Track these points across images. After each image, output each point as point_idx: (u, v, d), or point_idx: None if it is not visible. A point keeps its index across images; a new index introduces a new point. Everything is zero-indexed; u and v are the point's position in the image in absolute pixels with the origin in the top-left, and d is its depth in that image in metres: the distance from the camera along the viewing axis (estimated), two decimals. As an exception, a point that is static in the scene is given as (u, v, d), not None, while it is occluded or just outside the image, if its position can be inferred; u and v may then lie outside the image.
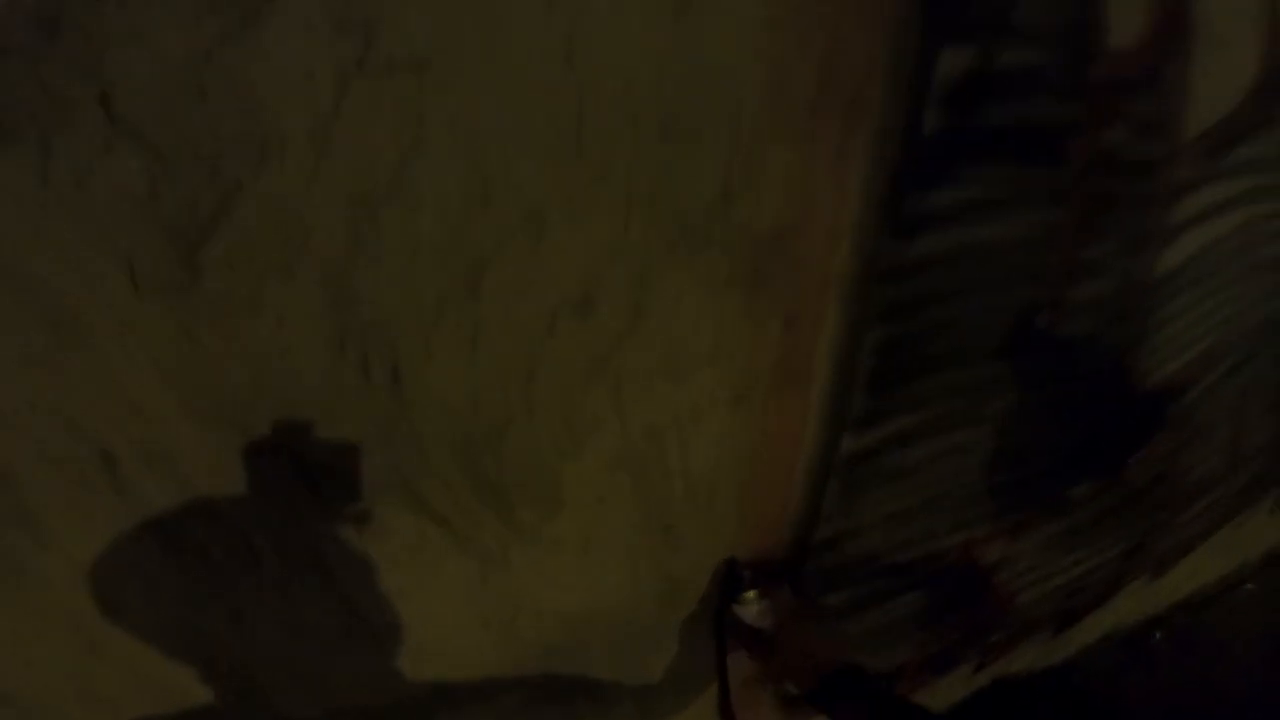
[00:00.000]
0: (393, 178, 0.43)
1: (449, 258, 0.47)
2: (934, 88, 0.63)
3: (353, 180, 0.42)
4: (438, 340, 0.49)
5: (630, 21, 0.47)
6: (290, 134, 0.40)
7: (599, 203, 0.50)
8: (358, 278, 0.45)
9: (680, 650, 0.86)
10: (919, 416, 0.84)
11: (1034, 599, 1.34)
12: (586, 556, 0.69)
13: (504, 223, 0.47)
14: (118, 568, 0.49)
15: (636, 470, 0.65)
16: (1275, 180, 1.12)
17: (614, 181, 0.49)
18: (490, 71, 0.43)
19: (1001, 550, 1.15)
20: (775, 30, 0.52)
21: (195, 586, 0.53)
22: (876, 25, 0.55)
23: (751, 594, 0.81)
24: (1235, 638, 1.83)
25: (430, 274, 0.47)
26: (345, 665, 0.64)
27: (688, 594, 0.82)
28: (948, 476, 0.92)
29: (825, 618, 0.97)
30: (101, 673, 0.53)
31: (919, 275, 0.69)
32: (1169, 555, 1.59)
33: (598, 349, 0.55)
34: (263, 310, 0.44)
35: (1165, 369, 1.11)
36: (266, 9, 0.38)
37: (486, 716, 0.76)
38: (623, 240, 0.51)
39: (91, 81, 0.36)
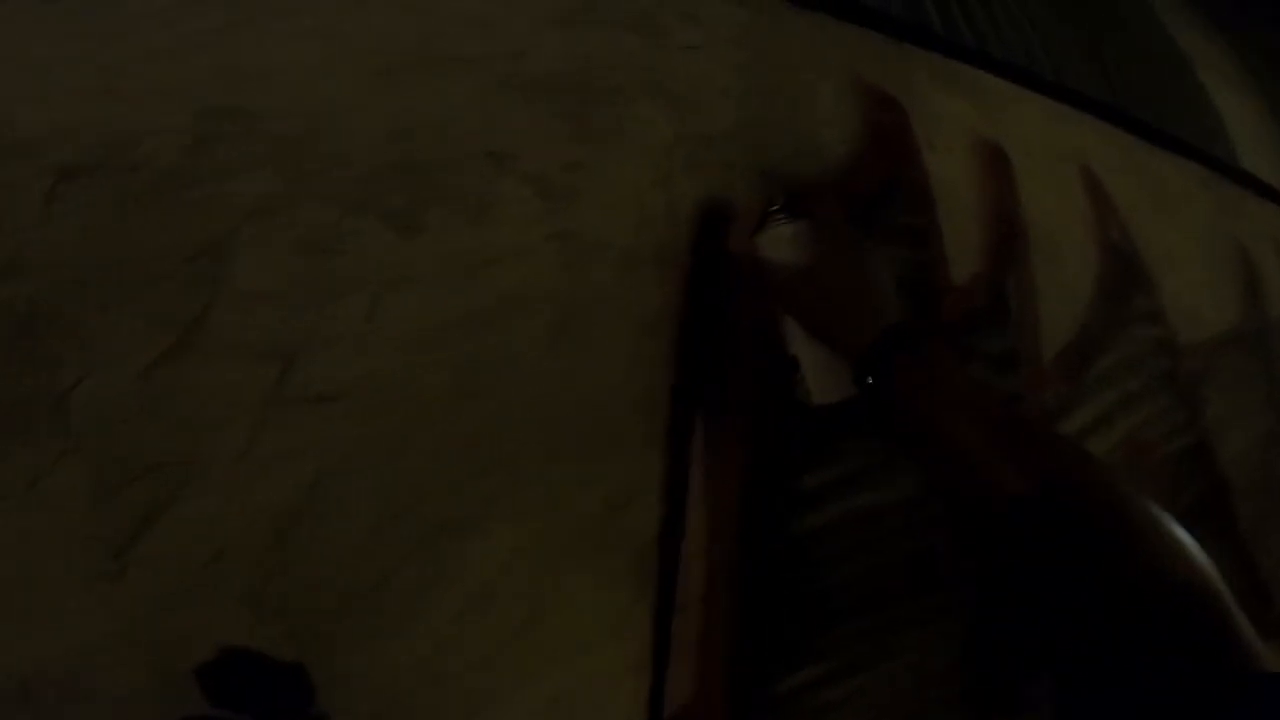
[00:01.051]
0: (308, 496, 0.47)
1: (360, 565, 0.49)
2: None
3: (270, 497, 0.46)
4: (342, 636, 0.50)
5: (517, 355, 0.56)
6: (214, 454, 0.45)
7: (499, 515, 0.54)
8: (272, 584, 0.47)
9: None
10: (831, 664, 0.81)
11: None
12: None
13: (412, 534, 0.51)
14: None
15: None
16: (1143, 384, 1.23)
17: (513, 496, 0.55)
18: (403, 401, 0.50)
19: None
20: (647, 335, 0.61)
21: None
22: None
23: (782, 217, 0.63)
24: None
25: (341, 580, 0.49)
26: None
27: None
28: (879, 705, 0.88)
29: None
30: None
31: (809, 548, 0.71)
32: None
33: (501, 635, 0.56)
34: (180, 609, 0.44)
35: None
36: (199, 333, 0.44)
37: None
38: (524, 546, 0.56)
39: (53, 388, 0.41)
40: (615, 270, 0.63)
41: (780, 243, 0.62)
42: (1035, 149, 1.08)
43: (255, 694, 0.47)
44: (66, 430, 0.41)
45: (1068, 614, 0.43)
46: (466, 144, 0.58)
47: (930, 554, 0.79)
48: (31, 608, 0.41)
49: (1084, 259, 1.05)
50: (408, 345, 0.52)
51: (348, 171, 0.52)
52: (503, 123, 0.60)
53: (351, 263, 0.51)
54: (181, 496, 0.44)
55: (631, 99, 0.69)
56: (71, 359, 0.42)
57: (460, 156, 0.57)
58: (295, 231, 0.49)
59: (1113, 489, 0.47)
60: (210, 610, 0.45)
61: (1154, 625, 0.38)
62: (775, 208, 0.65)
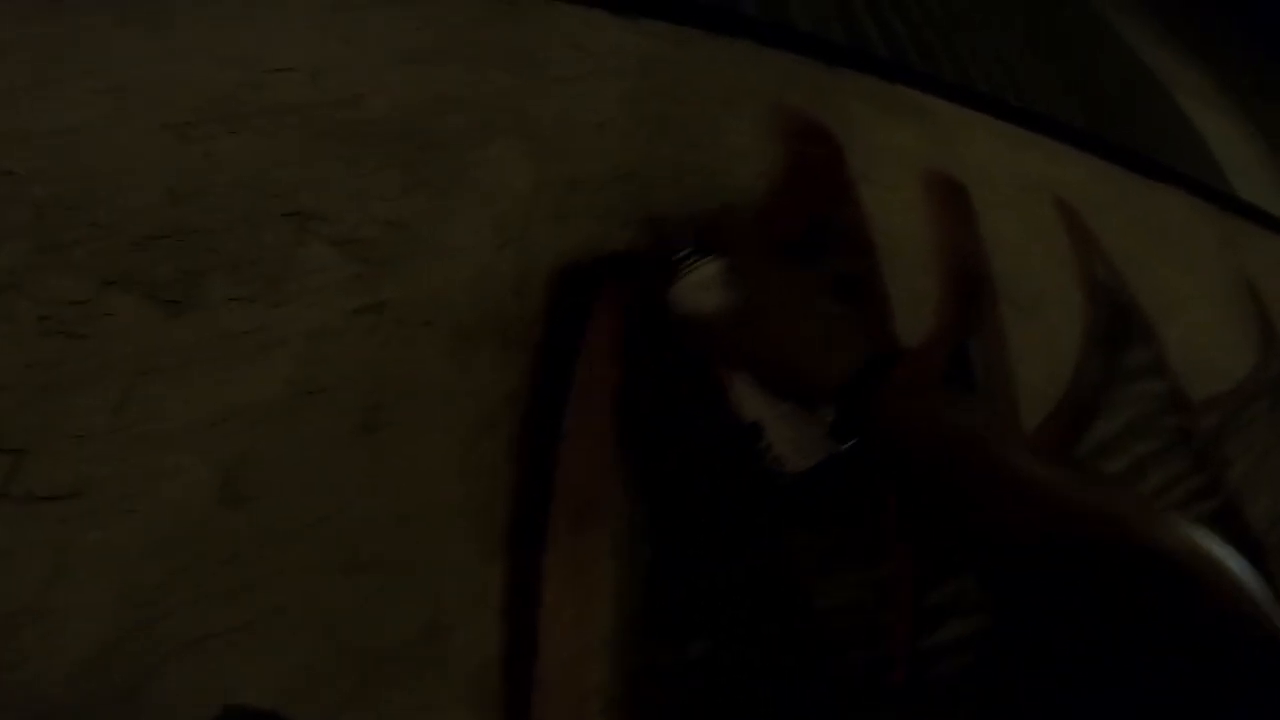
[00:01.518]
0: (36, 599, 0.41)
1: (95, 676, 0.42)
2: (673, 455, 0.53)
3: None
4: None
5: (308, 452, 0.47)
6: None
7: (277, 633, 0.46)
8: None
9: None
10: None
11: None
12: None
13: (159, 650, 0.43)
14: None
15: None
16: (1153, 448, 1.06)
17: (296, 614, 0.46)
18: (142, 503, 0.43)
19: None
20: (485, 429, 0.51)
21: None
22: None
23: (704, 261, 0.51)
24: None
25: (76, 688, 0.42)
26: None
27: None
28: None
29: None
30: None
31: (702, 673, 0.54)
32: None
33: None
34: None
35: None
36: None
37: None
38: (318, 666, 0.46)
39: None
40: (442, 350, 0.53)
41: (701, 290, 0.51)
42: (1000, 181, 0.93)
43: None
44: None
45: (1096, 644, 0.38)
46: (264, 204, 0.51)
47: (877, 668, 0.61)
48: None
49: (1067, 306, 0.89)
50: (164, 441, 0.45)
51: (114, 239, 0.47)
52: (315, 178, 0.53)
53: (101, 345, 0.45)
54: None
55: (483, 143, 0.60)
56: None
57: (254, 218, 0.50)
58: (40, 309, 0.44)
59: (1138, 512, 0.41)
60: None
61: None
62: (683, 253, 0.54)
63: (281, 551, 0.46)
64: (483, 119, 0.60)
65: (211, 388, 0.47)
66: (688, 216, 0.63)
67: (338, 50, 0.59)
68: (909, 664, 0.63)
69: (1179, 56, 1.89)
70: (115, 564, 0.44)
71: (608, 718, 0.51)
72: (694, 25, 0.77)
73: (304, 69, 0.57)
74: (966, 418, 0.45)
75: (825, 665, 0.59)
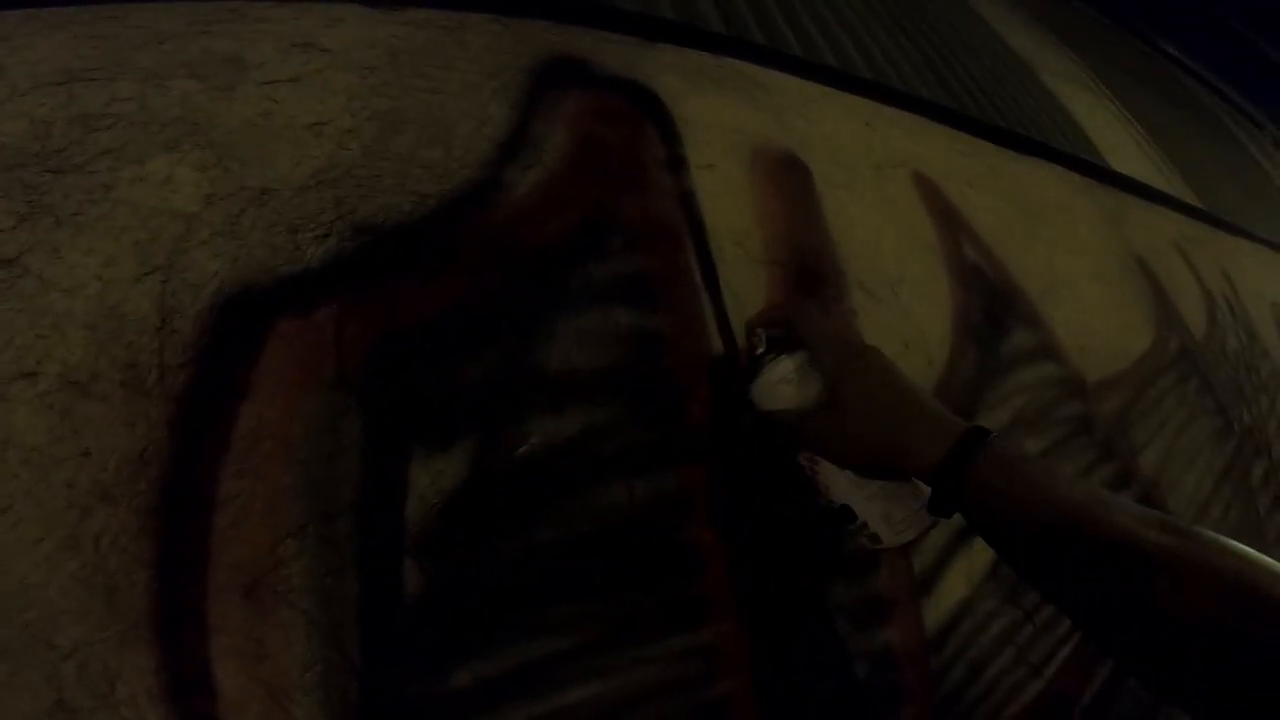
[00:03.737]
0: None
1: None
2: (408, 522, 0.39)
3: None
4: None
5: None
6: None
7: None
8: None
9: None
10: None
11: None
12: None
13: None
14: None
15: None
16: (1049, 440, 0.95)
17: None
18: None
19: None
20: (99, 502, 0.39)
21: None
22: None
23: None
24: None
25: None
26: None
27: None
28: None
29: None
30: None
31: None
32: None
33: None
34: None
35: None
36: None
37: None
38: None
39: None
40: (40, 406, 0.41)
41: (783, 385, 0.52)
42: (851, 160, 0.82)
43: None
44: None
45: None
46: None
47: None
48: None
49: (932, 292, 0.78)
50: None
51: None
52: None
53: None
54: None
55: (139, 159, 0.48)
56: None
57: None
58: None
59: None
60: None
61: None
62: (759, 350, 0.54)
63: None
64: (146, 135, 0.49)
65: None
66: (404, 222, 0.50)
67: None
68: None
69: (1044, 41, 1.88)
70: None
71: None
72: (470, 8, 0.65)
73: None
74: (1068, 488, 0.42)
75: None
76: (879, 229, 0.77)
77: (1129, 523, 0.39)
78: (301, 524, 0.41)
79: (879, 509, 0.50)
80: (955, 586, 0.67)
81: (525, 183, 0.56)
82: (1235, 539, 0.38)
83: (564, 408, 0.49)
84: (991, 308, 0.86)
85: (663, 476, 0.51)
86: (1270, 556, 0.37)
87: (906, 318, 0.74)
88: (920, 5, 1.35)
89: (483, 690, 0.42)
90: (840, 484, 0.50)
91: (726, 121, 0.74)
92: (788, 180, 0.73)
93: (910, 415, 0.47)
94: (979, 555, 0.71)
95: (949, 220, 0.89)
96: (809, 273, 0.68)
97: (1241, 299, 1.71)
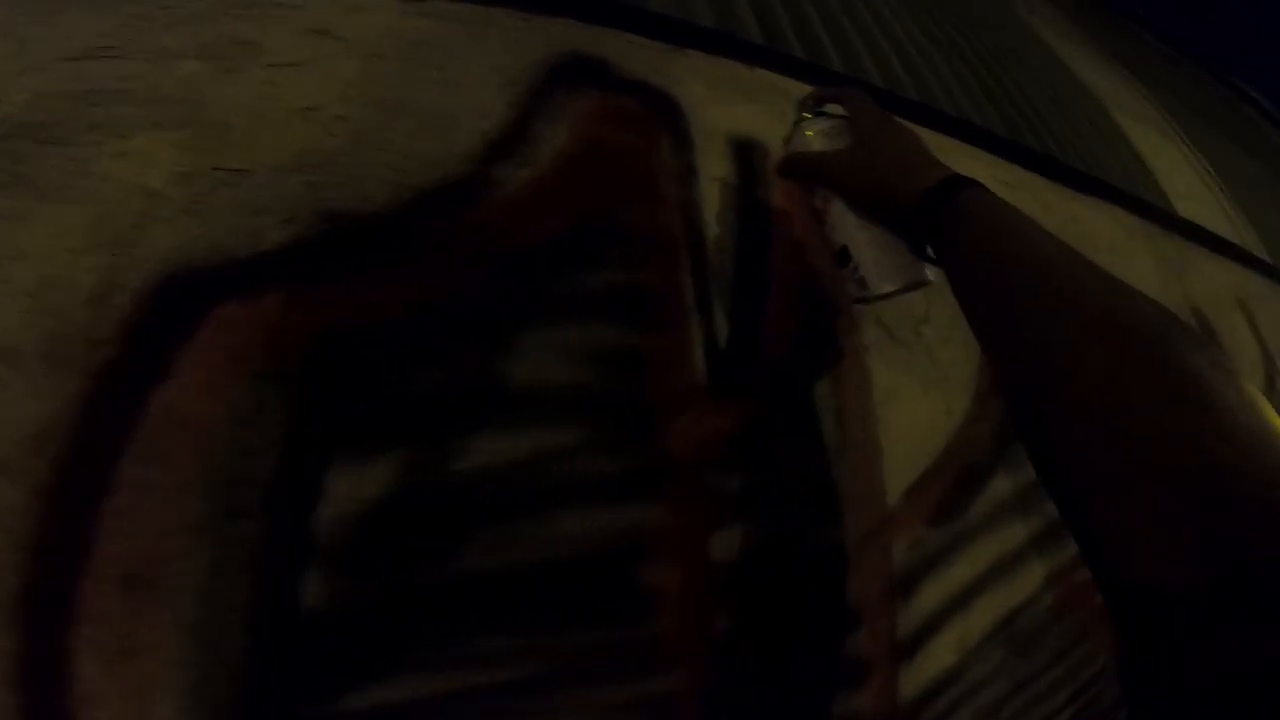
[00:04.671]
0: None
1: None
2: (322, 521, 0.37)
3: None
4: None
5: None
6: None
7: None
8: None
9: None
10: None
11: None
12: None
13: None
14: None
15: None
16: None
17: None
18: None
19: None
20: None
21: None
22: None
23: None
24: None
25: None
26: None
27: None
28: None
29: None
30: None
31: None
32: None
33: None
34: None
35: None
36: None
37: None
38: None
39: None
40: None
41: (821, 137, 0.55)
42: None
43: None
44: None
45: None
46: None
47: None
48: None
49: (959, 333, 0.73)
50: None
51: None
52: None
53: None
54: None
55: (123, 136, 0.47)
56: None
57: None
58: None
59: None
60: None
61: None
62: (805, 113, 0.57)
63: None
64: (139, 112, 0.48)
65: None
66: (375, 213, 0.47)
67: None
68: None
69: (1116, 77, 1.79)
70: None
71: None
72: (499, 3, 0.63)
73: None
74: (1044, 232, 0.43)
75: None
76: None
77: (1102, 271, 0.39)
78: (200, 519, 0.38)
79: (873, 256, 0.52)
80: (942, 655, 0.62)
81: (515, 181, 0.53)
82: None
83: (520, 426, 0.46)
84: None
85: (621, 510, 0.48)
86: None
87: (930, 359, 0.69)
88: (985, 34, 1.28)
89: (381, 717, 0.39)
90: (846, 223, 0.54)
91: (750, 134, 0.70)
92: (808, 200, 0.69)
93: (915, 156, 0.51)
94: (975, 620, 0.66)
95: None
96: (820, 301, 0.64)
97: (1308, 365, 1.59)
